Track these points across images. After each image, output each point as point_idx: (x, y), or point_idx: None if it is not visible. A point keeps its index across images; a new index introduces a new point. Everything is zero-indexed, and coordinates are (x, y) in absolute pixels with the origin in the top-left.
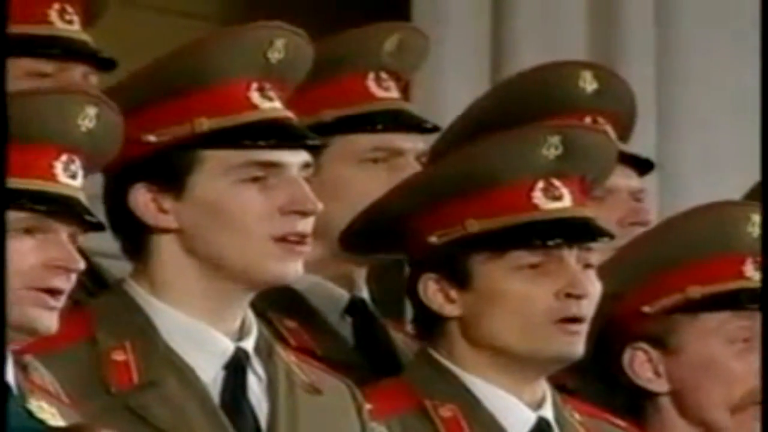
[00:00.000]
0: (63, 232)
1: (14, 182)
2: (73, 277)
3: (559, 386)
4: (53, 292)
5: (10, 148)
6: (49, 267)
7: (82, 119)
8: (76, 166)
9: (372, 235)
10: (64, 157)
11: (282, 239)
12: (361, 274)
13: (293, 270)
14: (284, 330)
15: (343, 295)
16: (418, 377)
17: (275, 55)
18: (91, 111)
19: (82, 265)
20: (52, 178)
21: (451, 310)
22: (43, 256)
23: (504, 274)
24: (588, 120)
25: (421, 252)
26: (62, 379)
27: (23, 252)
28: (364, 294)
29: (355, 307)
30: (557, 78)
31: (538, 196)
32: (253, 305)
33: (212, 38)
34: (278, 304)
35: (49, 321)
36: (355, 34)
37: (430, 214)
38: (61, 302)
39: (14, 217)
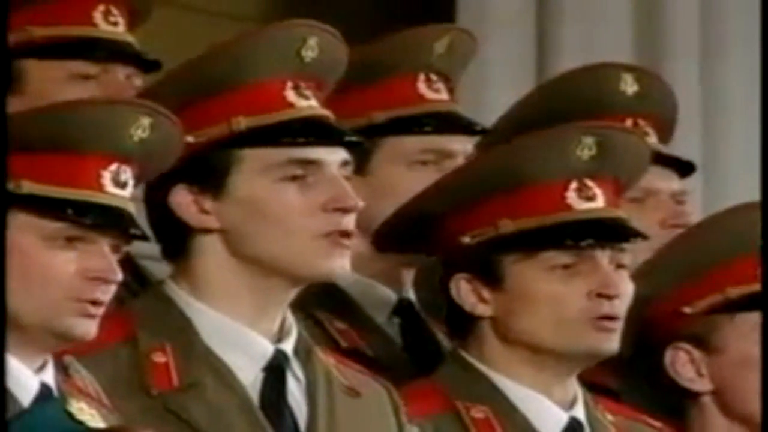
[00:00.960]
0: (105, 243)
1: (59, 191)
2: (113, 288)
3: (602, 387)
4: (93, 302)
5: (59, 156)
6: (87, 278)
7: (135, 129)
8: (127, 175)
9: (405, 234)
10: (113, 167)
11: (326, 236)
12: (408, 276)
13: (340, 265)
14: (334, 331)
15: (391, 296)
16: (449, 378)
17: (309, 54)
18: (146, 121)
19: (120, 276)
20: (99, 188)
21: (483, 310)
22: (82, 267)
23: (536, 274)
24: (629, 122)
25: (453, 252)
26: (102, 380)
27: (63, 262)
28: (411, 295)
29: (402, 308)
30: (598, 80)
31: (571, 197)
32: (303, 307)
33: (245, 37)
34: (328, 306)
35: (88, 328)
36: (405, 36)
37: (463, 213)
38: (100, 311)
39: (56, 226)
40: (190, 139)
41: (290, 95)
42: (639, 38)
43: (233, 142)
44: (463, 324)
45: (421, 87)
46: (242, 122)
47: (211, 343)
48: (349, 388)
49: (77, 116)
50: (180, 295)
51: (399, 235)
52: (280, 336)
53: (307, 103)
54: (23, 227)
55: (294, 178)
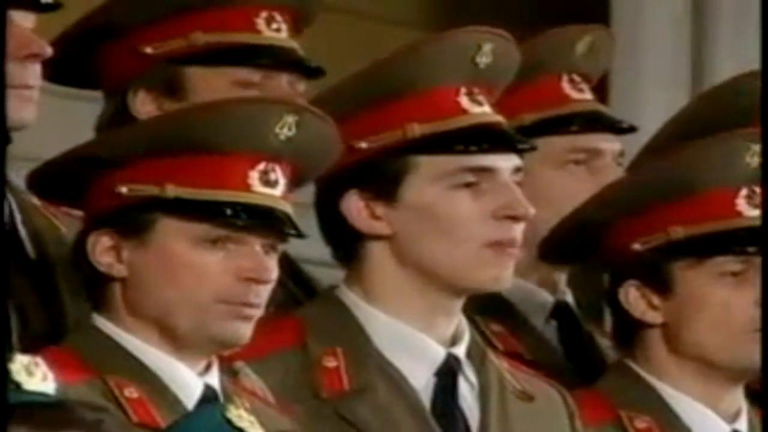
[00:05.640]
0: (257, 243)
1: (206, 194)
2: (265, 289)
3: None
4: (245, 304)
5: (203, 158)
6: (239, 279)
7: (280, 128)
8: (277, 174)
9: (571, 244)
10: (261, 166)
11: (495, 244)
12: (561, 277)
13: (506, 276)
14: (491, 334)
15: (548, 299)
16: (614, 387)
17: (483, 60)
18: (290, 119)
19: (274, 275)
20: (247, 188)
21: (653, 317)
22: (233, 267)
23: (707, 280)
24: None
25: (623, 259)
26: (272, 385)
27: (214, 264)
28: (568, 298)
29: (559, 311)
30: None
31: (741, 204)
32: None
33: (421, 44)
34: (484, 308)
35: (242, 331)
36: (547, 37)
37: (633, 221)
38: (255, 313)
39: (205, 228)
40: (363, 144)
41: (464, 101)
42: None
43: (407, 149)
44: (630, 333)
45: (566, 87)
46: (417, 129)
47: (383, 347)
48: (522, 393)
49: (220, 117)
50: (352, 299)
51: (566, 245)
52: (453, 340)
53: (481, 110)
54: (172, 232)
55: (467, 185)
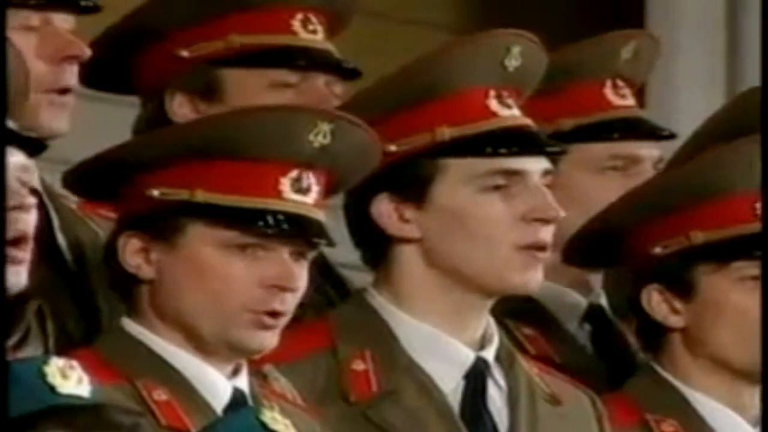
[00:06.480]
0: (285, 250)
1: (235, 200)
2: (292, 296)
3: None
4: (270, 313)
5: (235, 164)
6: (265, 286)
7: (314, 135)
8: (309, 181)
9: (594, 247)
10: (293, 173)
11: (524, 248)
12: (597, 280)
13: (535, 279)
14: (522, 337)
15: (581, 302)
16: (640, 391)
17: (512, 63)
18: (326, 127)
19: (301, 283)
20: (277, 195)
21: (675, 321)
22: (258, 275)
23: (728, 285)
24: None
25: (644, 263)
26: (301, 388)
27: (240, 270)
28: (602, 301)
29: (593, 314)
30: None
31: (761, 208)
32: (491, 313)
33: (449, 48)
34: (516, 312)
35: (265, 341)
36: (592, 43)
37: (655, 225)
38: (280, 322)
39: (233, 234)
40: (393, 147)
41: (493, 104)
42: None
43: (437, 152)
44: (655, 336)
45: (609, 93)
46: (446, 132)
47: (412, 350)
48: (551, 396)
49: (254, 123)
50: (381, 302)
51: (589, 248)
52: (481, 343)
53: (510, 113)
54: (200, 237)
55: (497, 188)
